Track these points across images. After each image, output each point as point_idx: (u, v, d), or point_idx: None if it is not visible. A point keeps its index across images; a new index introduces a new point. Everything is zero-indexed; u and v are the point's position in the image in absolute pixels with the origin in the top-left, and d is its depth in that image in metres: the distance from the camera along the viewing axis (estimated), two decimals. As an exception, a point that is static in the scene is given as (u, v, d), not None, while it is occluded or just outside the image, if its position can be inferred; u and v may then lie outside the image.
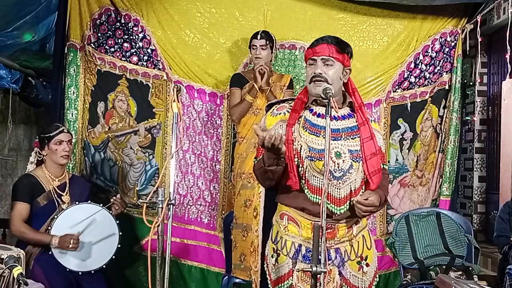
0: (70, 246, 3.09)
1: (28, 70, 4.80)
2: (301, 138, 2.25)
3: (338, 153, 2.22)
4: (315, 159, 2.21)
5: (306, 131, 2.27)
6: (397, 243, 3.70)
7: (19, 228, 3.17)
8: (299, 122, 2.28)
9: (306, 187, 2.24)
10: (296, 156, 2.24)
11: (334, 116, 2.27)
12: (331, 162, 2.18)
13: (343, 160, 2.22)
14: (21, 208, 3.19)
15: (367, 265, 2.33)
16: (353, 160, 2.23)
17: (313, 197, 2.22)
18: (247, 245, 3.51)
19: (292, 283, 2.26)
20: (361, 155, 2.24)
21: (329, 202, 2.21)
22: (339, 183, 2.21)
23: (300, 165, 2.24)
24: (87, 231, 3.19)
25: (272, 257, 2.34)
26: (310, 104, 2.31)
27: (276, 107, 2.41)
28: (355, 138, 2.26)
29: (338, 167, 2.21)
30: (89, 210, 3.22)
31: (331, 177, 2.20)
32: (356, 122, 2.30)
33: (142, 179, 4.10)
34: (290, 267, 2.29)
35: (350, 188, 2.24)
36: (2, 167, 5.52)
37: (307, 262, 2.23)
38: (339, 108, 2.28)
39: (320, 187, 2.19)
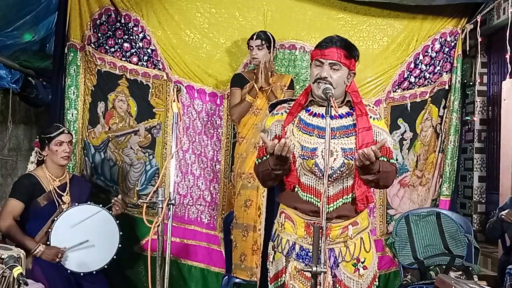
0: (56, 260, 3.07)
1: (28, 70, 4.80)
2: (294, 138, 2.27)
3: (330, 151, 2.21)
4: (307, 158, 2.23)
5: (299, 130, 2.28)
6: (397, 243, 3.71)
7: (5, 223, 3.12)
8: (293, 122, 2.30)
9: (298, 186, 2.26)
10: None
11: (331, 115, 2.27)
12: (323, 160, 2.17)
13: (335, 159, 2.22)
14: (15, 205, 3.16)
15: (364, 267, 2.30)
16: (345, 158, 2.22)
17: (304, 196, 2.24)
18: (247, 245, 3.52)
19: (284, 280, 2.28)
20: (355, 152, 2.22)
21: (318, 200, 2.21)
22: (329, 181, 2.19)
23: (294, 164, 2.26)
24: (87, 232, 3.18)
25: (270, 254, 2.38)
26: (309, 104, 2.32)
27: (277, 107, 2.43)
28: (350, 136, 2.26)
29: (329, 165, 2.20)
30: (89, 211, 3.22)
31: (320, 175, 2.20)
32: (354, 120, 2.28)
33: (142, 179, 4.10)
34: (283, 265, 2.31)
35: (341, 186, 2.24)
36: (2, 167, 5.51)
37: (300, 260, 2.26)
38: (338, 107, 2.27)
39: (311, 186, 2.23)
